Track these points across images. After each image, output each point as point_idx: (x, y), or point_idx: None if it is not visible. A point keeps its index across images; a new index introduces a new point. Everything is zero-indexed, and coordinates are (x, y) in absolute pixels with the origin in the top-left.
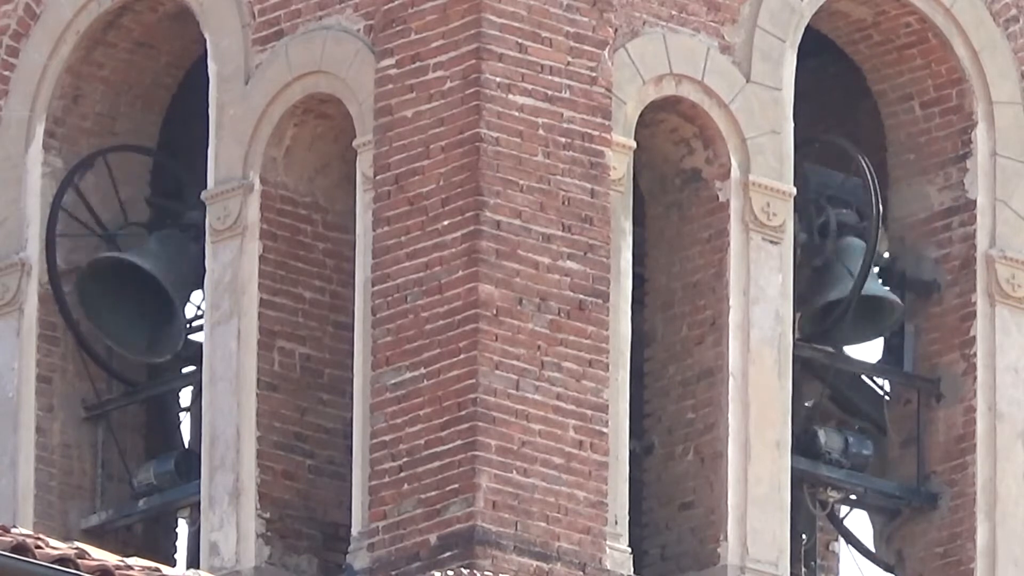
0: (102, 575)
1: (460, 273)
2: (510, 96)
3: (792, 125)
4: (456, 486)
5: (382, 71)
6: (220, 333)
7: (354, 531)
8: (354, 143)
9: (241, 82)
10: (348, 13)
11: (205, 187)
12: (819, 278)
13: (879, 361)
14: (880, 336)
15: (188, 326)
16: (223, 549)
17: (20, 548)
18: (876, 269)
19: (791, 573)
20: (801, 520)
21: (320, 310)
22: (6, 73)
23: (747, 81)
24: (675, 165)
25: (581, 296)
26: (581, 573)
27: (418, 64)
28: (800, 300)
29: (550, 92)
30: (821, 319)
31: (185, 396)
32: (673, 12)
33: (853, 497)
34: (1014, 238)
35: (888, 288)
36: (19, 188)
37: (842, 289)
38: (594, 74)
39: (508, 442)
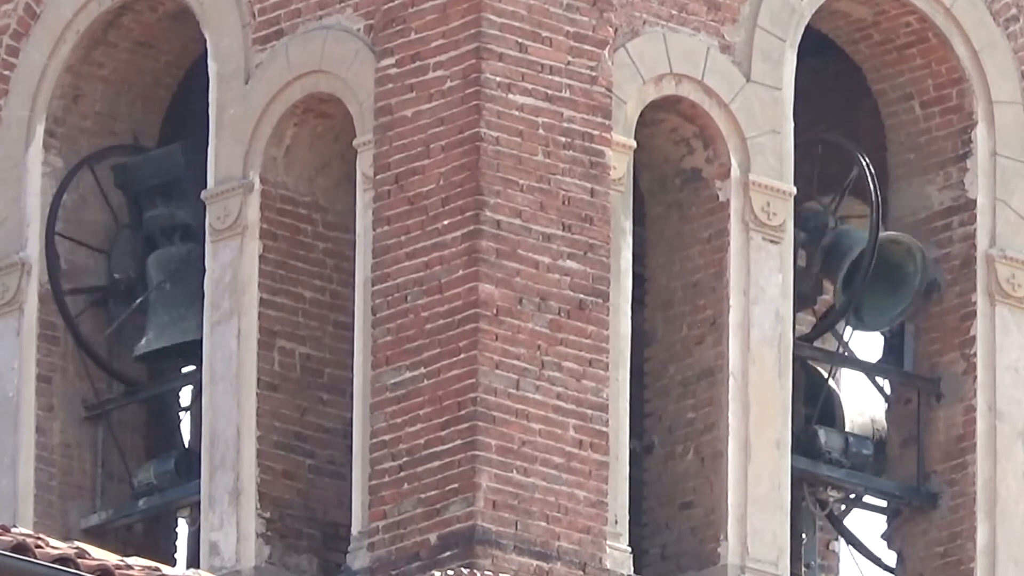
0: (102, 575)
1: (460, 273)
2: (510, 96)
3: (792, 125)
4: (456, 486)
5: (382, 71)
6: (220, 333)
7: (354, 531)
8: (354, 143)
9: (241, 82)
10: (348, 13)
11: (205, 187)
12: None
13: (879, 361)
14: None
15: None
16: (223, 549)
17: (20, 548)
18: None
19: (791, 573)
20: (801, 520)
21: (320, 310)
22: (6, 73)
23: (747, 81)
24: (675, 165)
25: (581, 296)
26: (581, 573)
27: (418, 64)
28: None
29: (550, 92)
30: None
31: (185, 396)
32: (673, 12)
33: (853, 497)
34: (1014, 238)
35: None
36: (19, 188)
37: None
38: (594, 74)
39: (508, 442)
